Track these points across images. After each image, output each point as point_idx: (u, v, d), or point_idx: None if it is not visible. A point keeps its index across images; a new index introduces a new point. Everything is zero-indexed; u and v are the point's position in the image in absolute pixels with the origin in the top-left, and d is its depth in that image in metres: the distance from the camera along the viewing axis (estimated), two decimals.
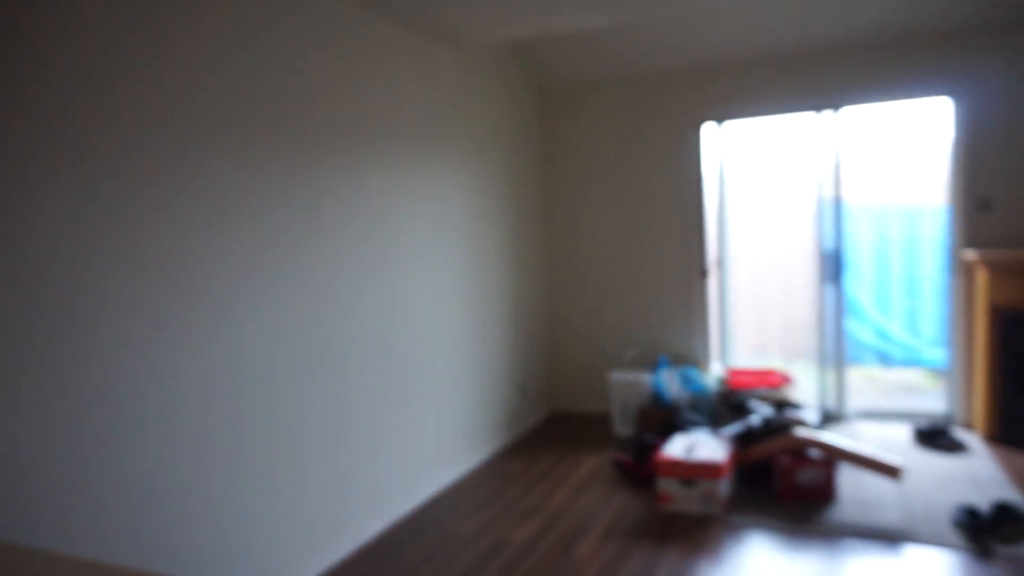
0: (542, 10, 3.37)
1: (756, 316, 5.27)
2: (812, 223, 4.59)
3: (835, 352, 4.55)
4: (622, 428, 4.56)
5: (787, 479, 3.29)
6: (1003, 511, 2.89)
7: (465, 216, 4.02)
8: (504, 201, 4.50)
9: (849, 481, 3.46)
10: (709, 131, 4.76)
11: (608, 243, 5.02)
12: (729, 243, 4.95)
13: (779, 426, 3.46)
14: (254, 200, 2.59)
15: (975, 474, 3.51)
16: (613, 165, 4.96)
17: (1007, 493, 3.25)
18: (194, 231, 2.35)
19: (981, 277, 4.04)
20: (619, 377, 4.59)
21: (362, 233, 3.16)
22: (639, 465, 3.72)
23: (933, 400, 4.94)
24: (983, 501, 3.13)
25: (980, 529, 2.79)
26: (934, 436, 3.95)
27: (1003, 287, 3.91)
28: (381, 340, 3.28)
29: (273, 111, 2.68)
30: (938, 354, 5.59)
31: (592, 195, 5.03)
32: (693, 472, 3.24)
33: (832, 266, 4.53)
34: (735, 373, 4.50)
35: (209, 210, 2.41)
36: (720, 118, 4.71)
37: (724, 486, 3.26)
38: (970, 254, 4.06)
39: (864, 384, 5.73)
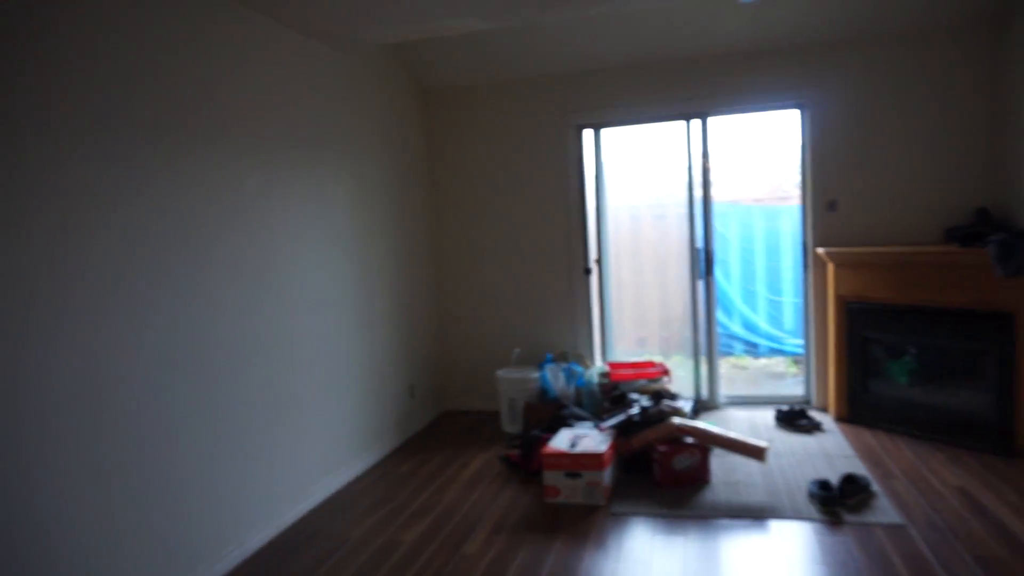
0: (420, 12, 3.39)
1: (637, 312, 5.51)
2: (684, 223, 4.86)
3: (707, 344, 4.84)
4: (511, 425, 4.66)
5: (665, 466, 3.49)
6: (850, 482, 3.20)
7: (349, 217, 3.98)
8: (389, 202, 4.48)
9: (721, 464, 3.71)
10: (588, 135, 4.96)
11: (494, 244, 5.11)
12: (609, 242, 5.16)
13: (657, 416, 3.65)
14: (115, 201, 2.46)
15: (828, 451, 3.85)
16: (497, 167, 5.05)
17: (854, 466, 3.59)
18: (44, 233, 2.21)
19: (830, 271, 4.43)
20: (506, 375, 4.69)
21: (239, 234, 3.06)
22: (527, 460, 3.82)
23: (794, 385, 5.36)
24: (834, 475, 3.45)
25: (831, 500, 3.08)
26: (793, 418, 4.30)
27: (847, 280, 4.30)
28: (262, 344, 3.19)
29: (139, 106, 2.55)
30: (798, 343, 6.07)
31: (477, 196, 5.11)
32: (577, 464, 3.37)
33: (703, 263, 4.82)
34: (616, 367, 4.70)
35: (65, 211, 2.27)
36: (598, 122, 4.90)
37: (607, 476, 3.41)
38: (820, 251, 4.44)
39: (735, 372, 6.13)
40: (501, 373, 4.72)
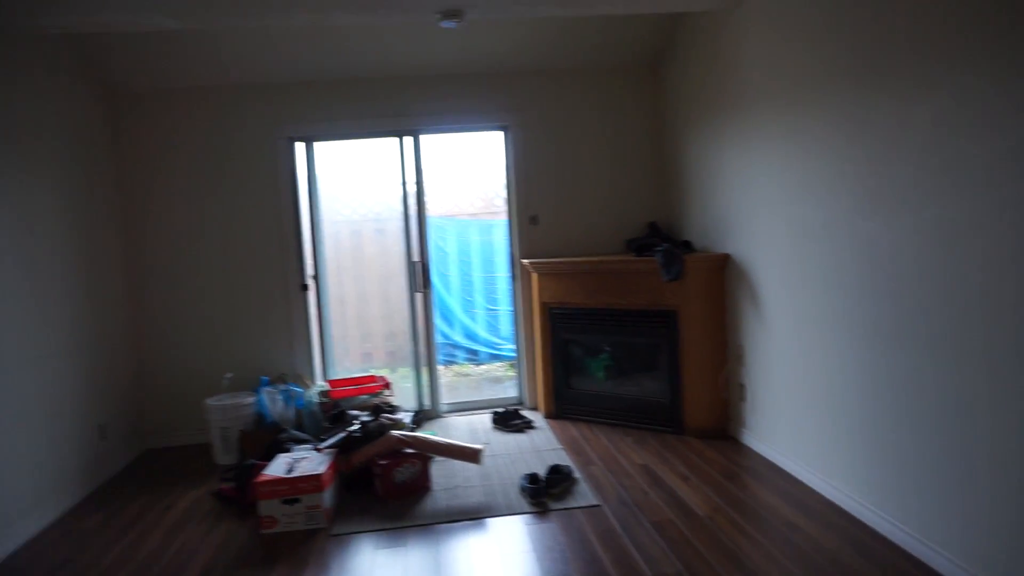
0: (97, 2, 3.02)
1: (361, 327, 5.47)
2: (402, 237, 4.94)
3: (427, 355, 4.96)
4: (225, 456, 4.33)
5: (387, 479, 3.49)
6: (555, 472, 3.49)
7: (10, 236, 3.38)
8: (66, 218, 3.90)
9: (442, 471, 3.82)
10: (301, 149, 4.82)
11: (200, 262, 4.71)
12: (327, 257, 5.05)
13: (377, 430, 3.65)
14: None
15: (538, 446, 4.17)
16: (205, 179, 4.68)
17: (560, 458, 3.93)
18: None
19: (534, 280, 4.82)
20: (217, 403, 4.34)
21: None
22: (242, 492, 3.57)
23: (511, 388, 5.72)
24: (543, 468, 3.74)
25: (539, 492, 3.33)
26: (508, 419, 4.58)
27: (549, 288, 4.71)
28: None
29: None
30: (513, 348, 6.49)
31: (183, 210, 4.67)
32: (295, 489, 3.23)
33: (421, 276, 4.93)
34: (336, 384, 4.61)
35: None
36: (311, 135, 4.78)
37: (327, 498, 3.31)
38: (525, 262, 4.81)
39: (458, 380, 6.37)
40: (211, 401, 4.36)
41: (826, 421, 3.16)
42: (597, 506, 3.24)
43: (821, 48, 3.00)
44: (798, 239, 3.28)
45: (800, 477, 3.40)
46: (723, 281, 4.13)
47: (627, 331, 4.44)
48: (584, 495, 3.37)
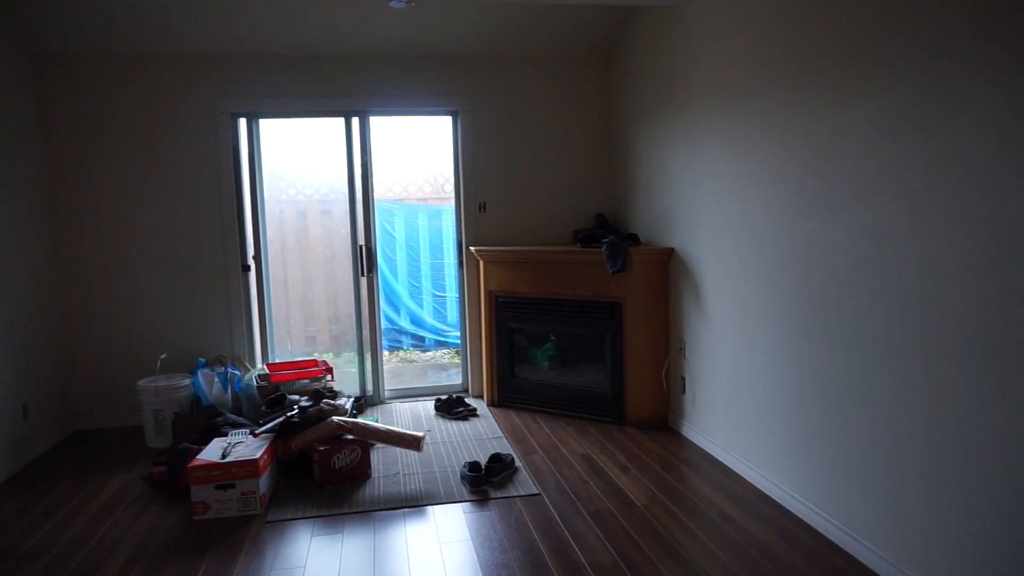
0: None
1: (305, 309, 5.37)
2: (348, 220, 4.85)
3: (372, 340, 4.90)
4: (158, 440, 4.20)
5: (325, 465, 3.44)
6: (496, 461, 3.50)
7: None
8: None
9: (383, 458, 3.78)
10: (244, 125, 4.67)
11: (135, 238, 4.54)
12: (269, 238, 4.93)
13: (316, 416, 3.59)
14: None
15: (481, 434, 4.17)
16: (139, 151, 4.49)
17: (502, 446, 3.94)
18: None
19: (481, 268, 4.80)
20: (150, 384, 4.21)
21: None
22: (174, 476, 3.47)
23: (456, 376, 5.70)
24: (484, 456, 3.74)
25: (479, 481, 3.33)
26: (452, 406, 4.57)
27: (496, 276, 4.70)
28: None
29: None
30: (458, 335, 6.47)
31: (117, 183, 4.49)
32: (229, 474, 3.15)
33: (366, 259, 4.86)
34: (276, 368, 4.51)
35: None
36: (254, 112, 4.65)
37: (264, 483, 3.25)
38: (472, 249, 4.79)
39: (403, 367, 6.32)
40: (143, 383, 4.22)
41: (760, 414, 3.24)
42: (537, 495, 3.26)
43: (763, 49, 3.06)
44: (740, 236, 3.35)
45: (735, 468, 3.49)
46: (667, 275, 4.19)
47: (572, 321, 4.46)
48: (525, 484, 3.38)
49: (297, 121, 4.89)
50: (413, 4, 3.51)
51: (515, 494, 3.27)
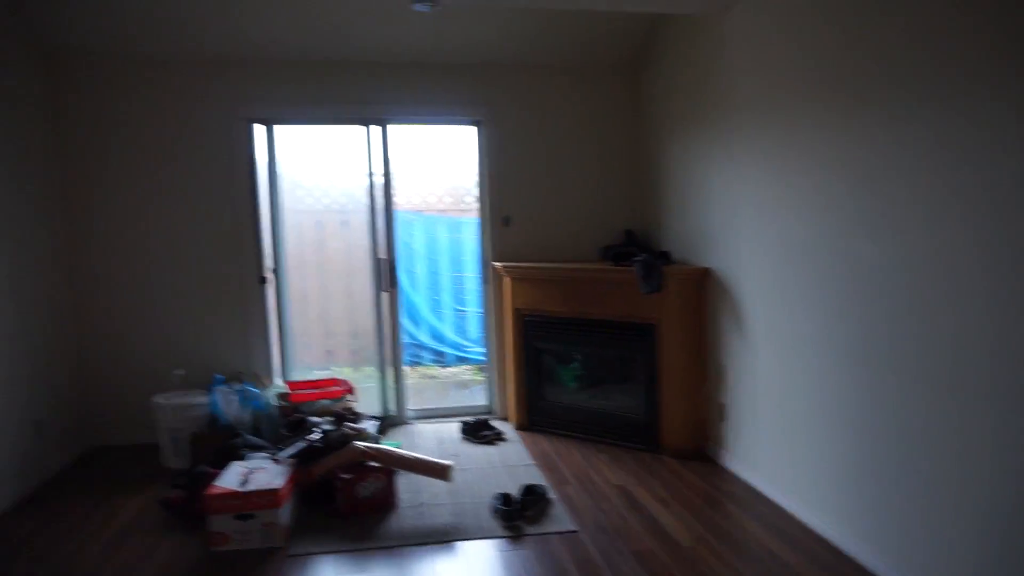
0: None
1: (324, 323, 5.23)
2: (368, 231, 4.70)
3: (393, 356, 4.74)
4: (175, 459, 4.05)
5: (348, 494, 3.27)
6: (529, 493, 3.32)
7: None
8: None
9: (408, 486, 3.61)
10: (262, 132, 4.53)
11: (150, 249, 4.40)
12: (288, 249, 4.79)
13: (339, 441, 3.42)
14: None
15: (510, 461, 3.99)
16: (157, 157, 4.35)
17: (533, 475, 3.75)
18: None
19: (507, 285, 4.63)
20: (166, 401, 4.06)
21: None
22: (192, 501, 3.31)
23: (480, 394, 5.52)
24: (516, 486, 3.55)
25: (512, 515, 3.15)
26: (478, 429, 4.39)
27: (523, 293, 4.53)
28: None
29: None
30: (481, 351, 6.31)
31: (133, 191, 4.35)
32: (250, 504, 2.99)
33: (388, 274, 4.71)
34: (296, 386, 4.36)
35: None
36: (271, 118, 4.51)
37: (285, 514, 3.09)
38: (497, 264, 4.62)
39: (424, 383, 6.16)
40: (160, 399, 4.08)
41: (813, 447, 3.05)
42: (574, 532, 3.08)
43: (813, 57, 2.88)
44: (788, 256, 3.17)
45: (783, 504, 3.29)
46: (703, 295, 4.01)
47: (602, 342, 4.28)
48: (560, 519, 3.20)
49: (314, 128, 4.75)
50: (439, 7, 3.36)
51: (551, 530, 3.09)
